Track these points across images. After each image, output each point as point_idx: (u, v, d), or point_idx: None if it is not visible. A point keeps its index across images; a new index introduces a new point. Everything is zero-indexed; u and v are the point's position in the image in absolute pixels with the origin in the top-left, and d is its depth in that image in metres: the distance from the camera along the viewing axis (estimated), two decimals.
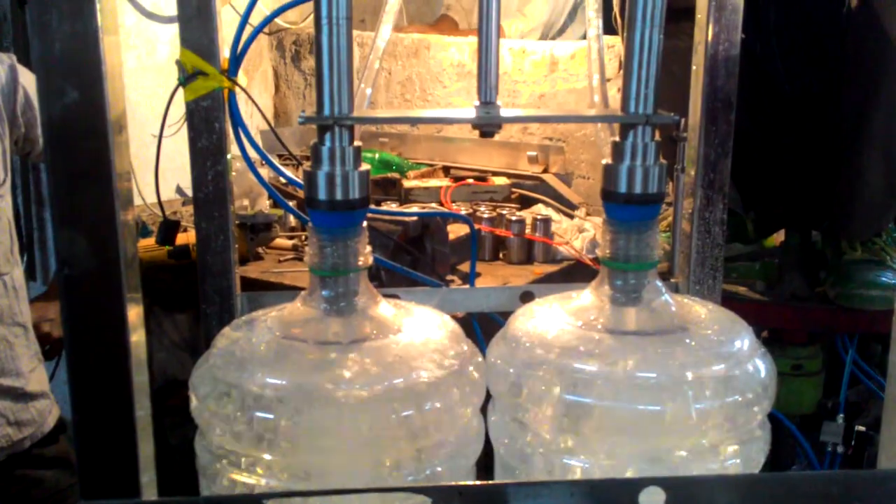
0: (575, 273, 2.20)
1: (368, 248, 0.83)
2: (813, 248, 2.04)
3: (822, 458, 1.94)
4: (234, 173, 1.12)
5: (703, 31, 1.11)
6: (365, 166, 0.84)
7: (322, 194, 0.81)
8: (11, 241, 1.66)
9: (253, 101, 1.18)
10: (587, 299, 0.81)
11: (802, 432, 1.94)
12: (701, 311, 0.81)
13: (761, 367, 0.76)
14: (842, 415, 1.93)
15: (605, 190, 0.84)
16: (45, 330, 1.85)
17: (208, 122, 1.07)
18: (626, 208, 0.82)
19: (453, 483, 0.70)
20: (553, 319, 0.79)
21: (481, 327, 1.32)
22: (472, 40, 2.84)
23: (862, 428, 1.91)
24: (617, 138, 0.85)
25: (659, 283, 0.79)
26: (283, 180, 2.41)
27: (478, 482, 0.67)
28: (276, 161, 1.22)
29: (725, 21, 1.10)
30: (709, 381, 0.72)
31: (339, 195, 0.81)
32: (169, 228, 1.21)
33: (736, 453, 0.75)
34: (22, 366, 1.67)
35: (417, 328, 0.80)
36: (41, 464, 1.71)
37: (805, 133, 1.89)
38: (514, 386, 0.76)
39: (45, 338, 1.82)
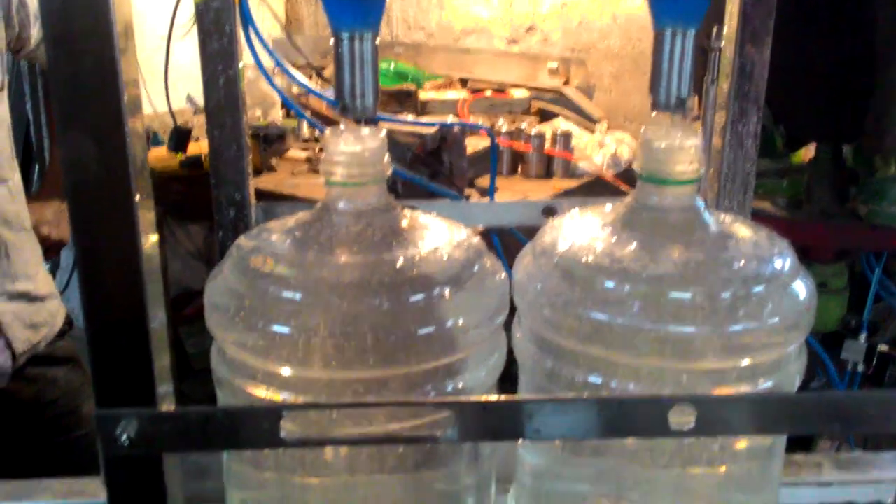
0: (595, 189, 2.15)
1: (387, 158, 0.79)
2: (843, 164, 1.98)
3: (843, 376, 1.93)
4: (245, 82, 1.08)
5: None
6: None
7: None
8: (11, 147, 1.64)
9: (266, 4, 1.12)
10: (621, 215, 0.77)
11: (824, 349, 1.93)
12: (742, 229, 0.77)
13: (802, 289, 0.73)
14: (865, 333, 1.91)
15: None
16: (44, 233, 1.84)
17: (218, 23, 1.03)
18: None
19: (477, 398, 0.68)
20: (585, 235, 0.75)
21: (501, 243, 1.29)
22: None
23: (884, 348, 1.90)
24: None
25: (699, 200, 0.75)
26: (295, 90, 2.36)
27: (503, 396, 0.65)
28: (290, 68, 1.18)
29: None
30: (747, 302, 0.69)
31: None
32: (181, 134, 1.19)
33: (771, 377, 0.72)
34: (31, 269, 1.68)
35: (438, 240, 0.77)
36: (53, 362, 1.73)
37: (838, 44, 1.82)
38: (542, 302, 0.73)
39: (44, 240, 1.82)
